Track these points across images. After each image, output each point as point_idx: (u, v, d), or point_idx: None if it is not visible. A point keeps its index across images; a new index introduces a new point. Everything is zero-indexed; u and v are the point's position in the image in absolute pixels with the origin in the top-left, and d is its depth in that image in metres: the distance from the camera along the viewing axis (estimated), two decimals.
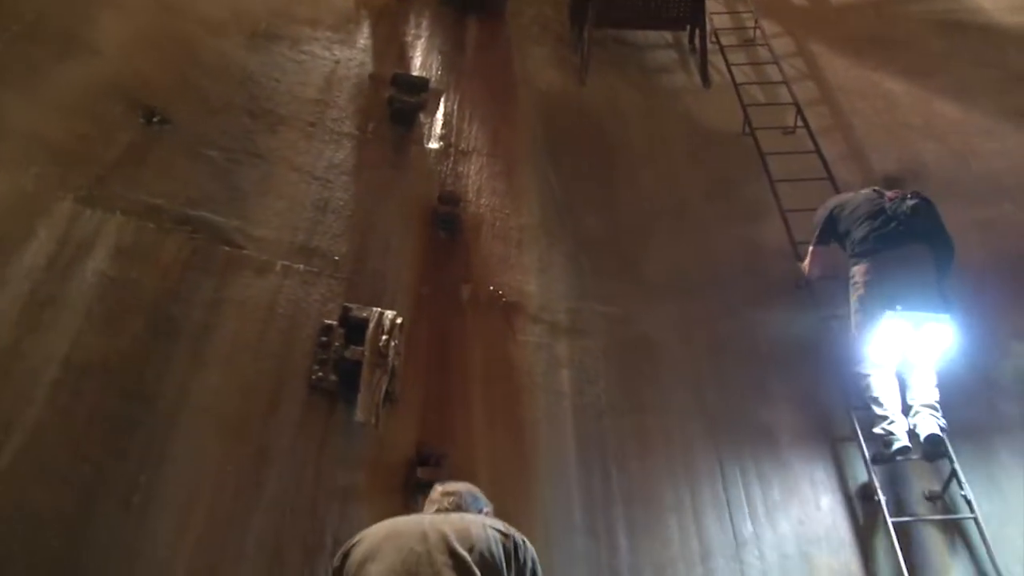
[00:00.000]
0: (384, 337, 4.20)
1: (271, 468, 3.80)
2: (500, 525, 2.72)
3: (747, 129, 6.84)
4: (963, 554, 4.39)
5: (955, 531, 4.48)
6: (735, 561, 4.34)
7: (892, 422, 4.54)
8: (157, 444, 3.65)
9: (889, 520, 4.40)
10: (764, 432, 4.93)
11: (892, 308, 4.62)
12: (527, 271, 5.34)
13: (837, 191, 6.09)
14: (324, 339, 4.29)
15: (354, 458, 4.00)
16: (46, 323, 3.68)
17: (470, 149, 5.90)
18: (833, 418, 4.97)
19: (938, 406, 4.53)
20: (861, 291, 4.94)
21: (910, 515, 4.50)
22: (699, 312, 5.43)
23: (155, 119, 4.63)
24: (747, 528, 4.50)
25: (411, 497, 3.99)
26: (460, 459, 4.23)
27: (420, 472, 4.02)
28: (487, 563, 2.52)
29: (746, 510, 4.57)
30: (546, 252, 5.51)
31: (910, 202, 5.11)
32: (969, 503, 4.39)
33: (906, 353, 4.72)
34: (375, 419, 3.97)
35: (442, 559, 2.49)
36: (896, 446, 4.46)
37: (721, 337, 5.32)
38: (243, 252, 4.46)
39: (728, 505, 4.55)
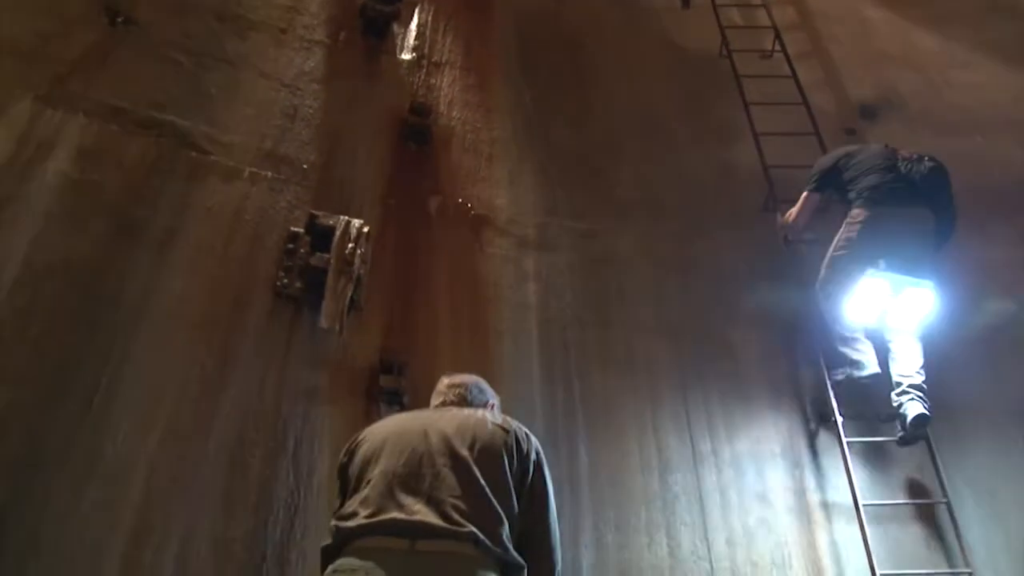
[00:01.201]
0: (350, 245, 4.18)
1: (234, 371, 3.80)
2: (501, 420, 2.72)
3: (724, 51, 6.75)
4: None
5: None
6: (692, 475, 4.40)
7: (860, 342, 4.54)
8: (119, 346, 3.63)
9: (844, 439, 4.48)
10: (728, 352, 4.96)
11: (875, 265, 4.55)
12: (497, 185, 5.30)
13: (811, 117, 6.08)
14: (290, 246, 4.26)
15: (317, 364, 4.00)
16: (5, 222, 3.64)
17: (443, 61, 5.80)
18: (798, 341, 5.00)
19: (925, 387, 4.41)
20: (854, 234, 4.81)
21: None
22: (668, 231, 5.43)
23: (119, 19, 4.52)
24: (706, 445, 4.55)
25: (373, 404, 4.01)
26: (423, 368, 4.24)
27: (383, 380, 4.03)
28: (487, 460, 2.53)
29: (706, 427, 4.62)
30: (516, 166, 5.47)
31: (928, 164, 4.96)
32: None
33: (885, 317, 4.63)
34: (339, 326, 3.97)
35: (442, 460, 2.49)
36: (867, 371, 4.45)
37: (689, 256, 5.33)
38: (210, 158, 4.41)
39: (688, 421, 4.60)
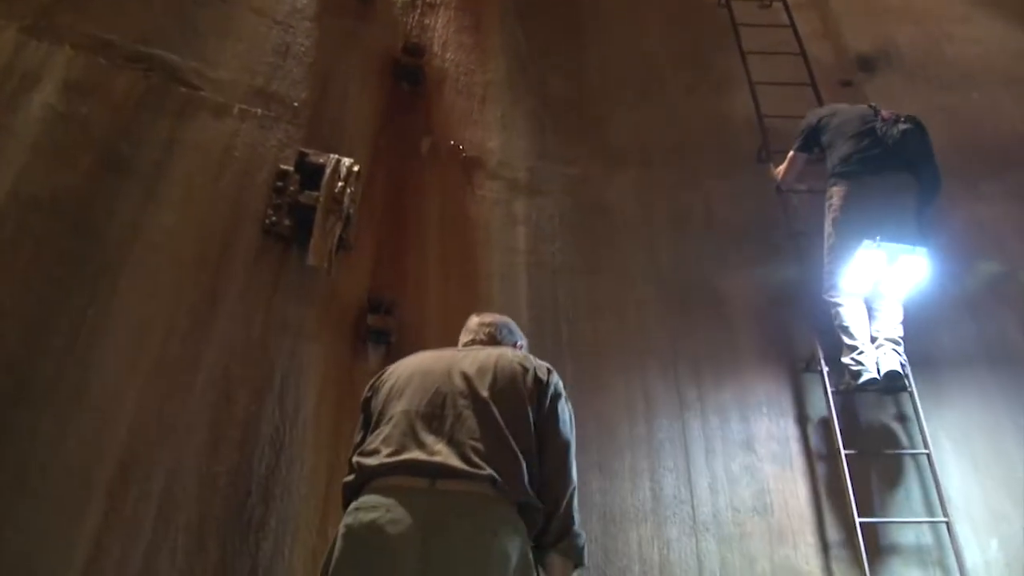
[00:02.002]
0: (340, 184, 4.15)
1: (222, 308, 3.78)
2: (523, 357, 2.74)
3: (723, 0, 6.69)
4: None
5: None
6: (677, 421, 4.44)
7: (862, 352, 4.46)
8: (106, 280, 3.60)
9: (829, 390, 4.52)
10: (717, 302, 4.97)
11: (869, 238, 4.46)
12: (489, 127, 5.27)
13: (808, 67, 6.03)
14: (280, 184, 4.21)
15: (305, 302, 3.99)
16: None
17: (438, 2, 5.73)
18: (786, 293, 4.99)
19: (901, 341, 4.46)
20: (836, 214, 4.77)
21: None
22: (660, 179, 5.41)
23: None
24: (692, 392, 4.58)
25: (360, 342, 4.01)
26: (411, 308, 4.25)
27: (370, 319, 4.03)
28: (507, 400, 2.55)
29: (693, 374, 4.64)
30: (509, 110, 5.43)
31: (902, 126, 4.83)
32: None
33: (878, 284, 4.60)
34: (327, 264, 3.95)
35: (463, 402, 2.53)
36: (864, 378, 4.40)
37: (681, 205, 5.32)
38: (199, 94, 4.33)
39: (675, 368, 4.62)
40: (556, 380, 2.70)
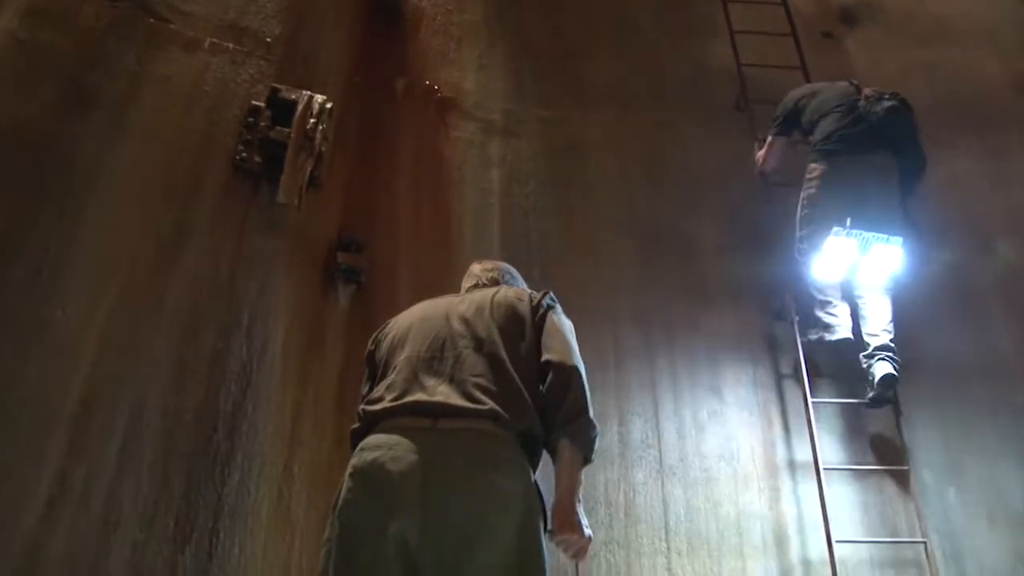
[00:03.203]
0: (312, 120, 4.09)
1: (190, 244, 3.73)
2: (519, 291, 2.76)
3: None
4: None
5: None
6: (646, 366, 4.45)
7: (835, 306, 4.43)
8: (71, 213, 3.54)
9: (799, 341, 4.53)
10: (691, 248, 4.97)
11: (840, 224, 4.30)
12: (465, 68, 5.19)
13: (790, 17, 5.97)
14: (251, 120, 4.14)
15: (275, 239, 3.94)
16: None
17: None
18: (760, 241, 4.97)
19: (893, 347, 4.31)
20: (813, 191, 4.61)
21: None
22: (636, 124, 5.36)
23: None
24: (663, 337, 4.59)
25: (330, 281, 3.98)
26: (382, 247, 4.22)
27: (340, 257, 4.00)
28: (506, 333, 2.56)
29: (664, 320, 4.64)
30: (486, 51, 5.34)
31: (886, 103, 4.64)
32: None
33: (854, 274, 4.49)
34: (297, 201, 3.90)
35: (463, 342, 2.53)
36: (838, 335, 4.36)
37: (656, 151, 5.28)
38: (170, 26, 4.24)
39: (646, 313, 4.61)
40: (550, 297, 2.71)
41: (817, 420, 4.33)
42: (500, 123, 5.07)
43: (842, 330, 4.39)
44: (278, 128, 4.06)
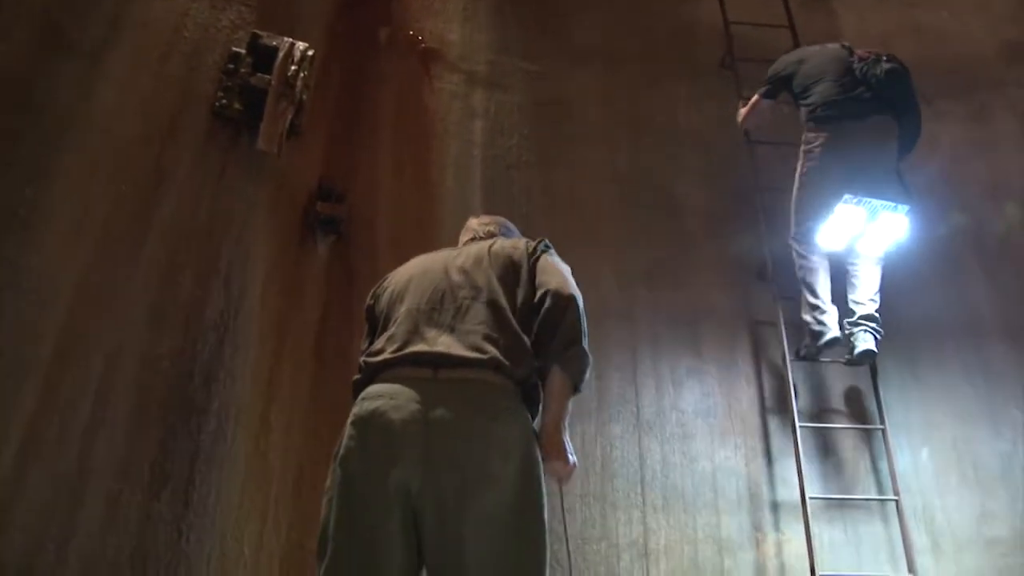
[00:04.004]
0: (293, 68, 4.01)
1: (167, 190, 3.65)
2: (515, 241, 2.78)
3: None
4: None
5: None
6: (625, 320, 4.46)
7: (824, 312, 4.34)
8: (46, 159, 3.45)
9: (779, 303, 4.56)
10: (673, 205, 4.97)
11: (848, 193, 4.22)
12: (450, 19, 5.14)
13: None
14: (231, 66, 4.06)
15: (254, 187, 3.88)
16: None
17: None
18: (743, 193, 4.98)
19: (877, 316, 4.30)
20: (815, 163, 4.51)
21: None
22: (622, 79, 5.34)
23: None
24: (642, 292, 4.60)
25: (308, 230, 3.95)
26: (362, 198, 4.20)
27: (320, 206, 3.97)
28: (504, 281, 2.58)
29: (644, 276, 4.67)
30: (471, 3, 5.29)
31: (885, 65, 4.54)
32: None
33: (855, 242, 4.45)
34: (277, 149, 3.84)
35: (462, 293, 2.55)
36: (826, 339, 4.30)
37: (641, 107, 5.27)
38: None
39: (627, 269, 4.62)
40: (545, 242, 2.73)
41: (795, 378, 4.36)
42: (484, 75, 5.03)
43: (829, 332, 4.31)
44: (259, 75, 3.98)
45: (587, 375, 2.49)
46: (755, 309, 4.72)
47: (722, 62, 5.55)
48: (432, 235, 4.33)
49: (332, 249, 4.04)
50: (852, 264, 4.49)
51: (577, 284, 2.60)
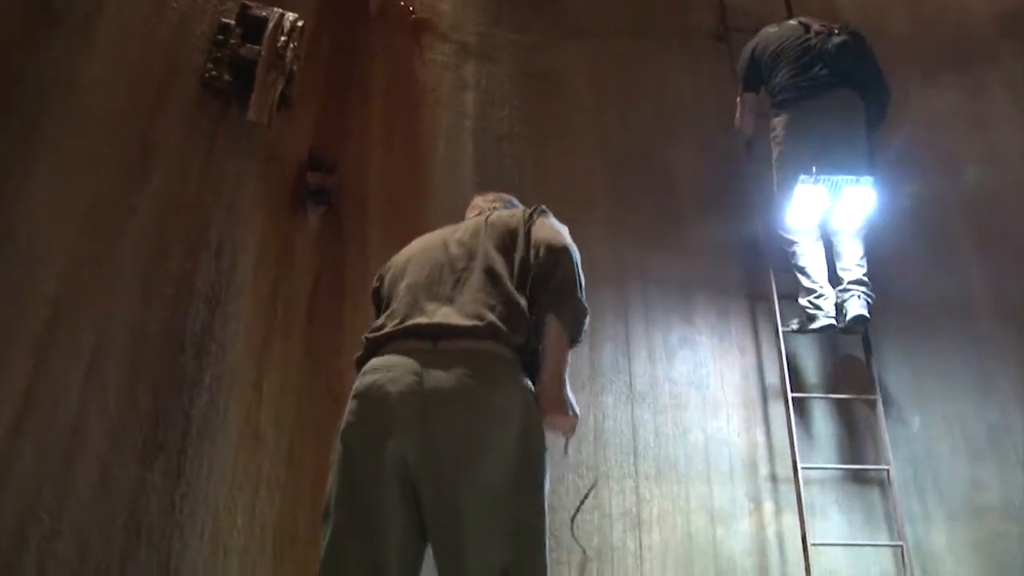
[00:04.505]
0: (283, 39, 3.98)
1: (157, 162, 3.63)
2: (513, 210, 2.77)
3: None
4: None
5: None
6: (618, 290, 4.46)
7: (820, 296, 4.34)
8: (34, 129, 3.43)
9: (772, 273, 4.58)
10: (665, 176, 4.96)
11: (807, 172, 4.23)
12: None
13: None
14: (220, 37, 4.03)
15: (244, 158, 3.85)
16: None
17: None
18: (735, 165, 4.99)
19: (866, 280, 4.31)
20: (781, 147, 4.53)
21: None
22: (614, 51, 5.31)
23: None
24: (635, 263, 4.60)
25: (299, 201, 3.94)
26: (353, 169, 4.18)
27: (310, 177, 3.95)
28: (501, 250, 2.57)
29: (636, 246, 4.66)
30: None
31: (836, 39, 4.49)
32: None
33: (828, 218, 4.45)
34: (268, 120, 3.82)
35: (461, 264, 2.55)
36: (820, 324, 4.30)
37: (633, 79, 5.24)
38: None
39: (618, 239, 4.60)
40: (542, 208, 2.71)
41: (787, 349, 4.37)
42: (476, 46, 5.00)
43: (824, 318, 4.31)
44: (248, 46, 3.95)
45: (585, 326, 2.48)
46: (748, 280, 4.72)
47: (715, 33, 5.52)
48: (423, 206, 4.33)
49: (323, 219, 4.02)
50: (834, 236, 4.51)
51: None
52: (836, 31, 4.55)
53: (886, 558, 4.10)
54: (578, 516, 3.86)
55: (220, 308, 3.50)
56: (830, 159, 4.30)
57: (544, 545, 2.24)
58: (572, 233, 2.66)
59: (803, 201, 4.35)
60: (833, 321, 4.31)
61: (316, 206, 3.97)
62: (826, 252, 4.50)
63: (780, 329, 4.38)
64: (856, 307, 4.24)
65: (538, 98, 4.96)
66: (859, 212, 4.40)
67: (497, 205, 2.99)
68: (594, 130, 4.97)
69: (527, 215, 2.66)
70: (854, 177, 4.27)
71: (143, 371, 3.24)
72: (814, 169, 4.24)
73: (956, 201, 5.05)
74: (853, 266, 4.36)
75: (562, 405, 2.39)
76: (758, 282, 4.67)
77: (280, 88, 3.91)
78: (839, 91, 4.48)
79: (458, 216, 3.95)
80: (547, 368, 2.42)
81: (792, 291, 4.49)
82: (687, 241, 4.75)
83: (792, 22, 4.84)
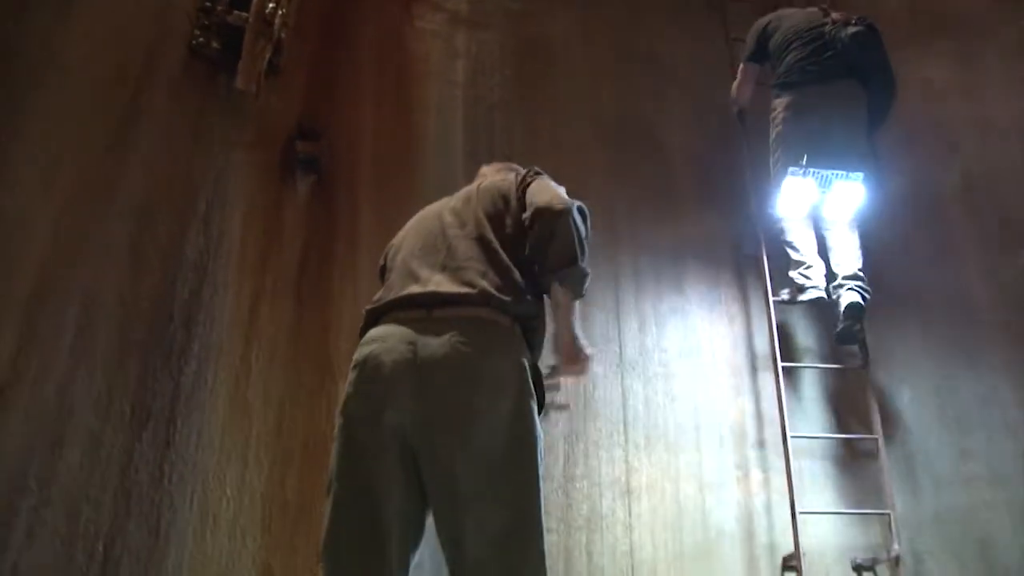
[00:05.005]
0: (271, 5, 3.93)
1: (144, 130, 3.60)
2: (506, 175, 2.78)
3: None
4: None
5: None
6: (609, 258, 4.43)
7: (809, 267, 4.31)
8: (19, 101, 3.40)
9: (763, 243, 4.56)
10: (658, 146, 4.94)
11: (799, 162, 4.20)
12: None
13: None
14: (207, 4, 4.00)
15: (232, 127, 3.83)
16: None
17: None
18: (728, 135, 4.95)
19: (861, 275, 4.25)
20: (780, 128, 4.46)
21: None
22: (606, 17, 5.24)
23: None
24: (625, 231, 4.58)
25: (288, 170, 3.92)
26: (343, 138, 4.15)
27: (299, 145, 3.92)
28: (493, 215, 2.59)
29: (627, 215, 4.61)
30: None
31: (851, 29, 4.40)
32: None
33: (819, 210, 4.39)
34: (256, 88, 3.79)
35: (453, 231, 2.57)
36: (810, 295, 4.28)
37: (625, 45, 5.18)
38: None
39: (611, 207, 4.57)
40: (536, 169, 2.74)
41: (777, 318, 4.37)
42: (467, 14, 4.94)
43: (815, 290, 4.30)
44: (236, 12, 3.92)
45: (587, 283, 2.55)
46: (739, 248, 4.71)
47: (709, 1, 5.46)
48: (413, 175, 4.30)
49: (312, 189, 4.00)
50: (827, 231, 4.46)
51: None
52: (853, 21, 4.47)
53: (874, 527, 4.13)
54: (568, 484, 3.88)
55: (208, 278, 3.49)
56: (826, 148, 4.25)
57: (540, 513, 2.25)
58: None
59: (792, 192, 4.31)
60: (823, 293, 4.29)
61: (305, 175, 3.94)
62: (819, 246, 4.45)
63: (770, 298, 4.38)
64: (849, 297, 4.19)
65: (529, 65, 4.91)
66: (848, 206, 4.36)
67: (506, 172, 2.95)
68: (586, 98, 4.93)
69: (520, 178, 2.66)
70: (844, 173, 4.22)
71: (131, 340, 3.24)
72: (804, 161, 4.20)
73: (946, 168, 5.03)
74: (846, 261, 4.31)
75: (575, 356, 2.49)
76: (749, 251, 4.66)
77: (268, 56, 3.88)
78: (845, 81, 4.41)
79: (448, 186, 3.95)
80: (559, 326, 2.51)
81: (783, 261, 4.48)
82: (678, 210, 4.73)
83: (812, 8, 4.75)
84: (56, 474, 2.89)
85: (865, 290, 4.23)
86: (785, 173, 4.32)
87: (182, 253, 3.48)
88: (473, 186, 2.75)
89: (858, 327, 4.25)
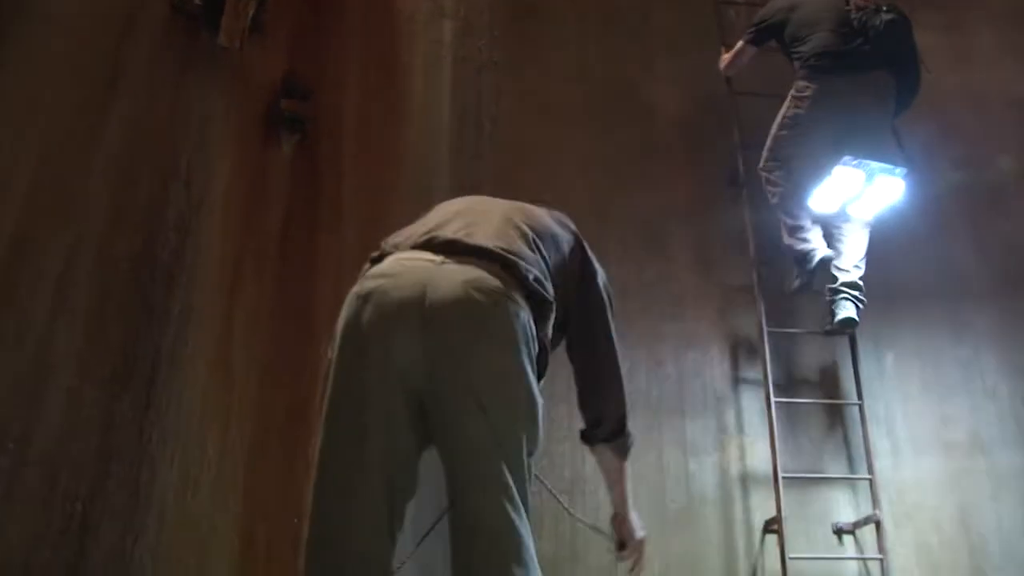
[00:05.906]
0: None
1: (124, 88, 3.52)
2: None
3: None
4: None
5: None
6: (594, 222, 4.33)
7: (808, 231, 4.23)
8: None
9: (748, 207, 4.56)
10: (646, 109, 4.94)
11: (845, 152, 4.02)
12: None
13: None
14: None
15: (215, 85, 3.75)
16: None
17: None
18: (715, 99, 4.92)
19: (861, 284, 4.19)
20: (799, 110, 4.31)
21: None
22: None
23: None
24: (609, 195, 4.59)
25: (272, 129, 3.87)
26: (328, 97, 4.10)
27: (284, 103, 3.87)
28: (533, 217, 2.57)
29: (614, 179, 4.66)
30: None
31: (885, 16, 4.28)
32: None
33: (846, 205, 4.26)
34: (239, 45, 3.72)
35: (480, 207, 2.53)
36: (816, 258, 4.17)
37: (614, 11, 5.17)
38: None
39: (595, 171, 4.57)
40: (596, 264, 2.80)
41: (763, 285, 4.36)
42: None
43: (819, 252, 4.20)
44: None
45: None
46: (725, 214, 4.71)
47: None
48: (398, 135, 4.26)
49: (297, 148, 3.95)
50: (837, 228, 4.36)
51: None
52: (885, 8, 4.36)
53: (855, 492, 4.16)
54: (551, 447, 3.88)
55: (190, 238, 3.44)
56: (858, 141, 4.13)
57: (527, 470, 2.20)
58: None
59: (836, 184, 4.14)
60: (830, 251, 4.21)
61: (290, 135, 3.89)
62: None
63: (754, 263, 4.38)
64: (845, 310, 4.15)
65: (517, 26, 4.87)
66: (882, 203, 4.24)
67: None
68: (573, 60, 4.91)
69: (583, 246, 2.73)
70: (891, 167, 4.10)
71: (111, 301, 3.19)
72: (849, 150, 4.06)
73: (935, 138, 5.02)
74: (851, 267, 4.23)
75: (633, 536, 2.61)
76: (735, 216, 4.65)
77: (252, 12, 3.81)
78: (878, 72, 4.29)
79: (434, 151, 3.93)
80: (617, 500, 2.64)
81: (769, 224, 4.47)
82: (665, 173, 4.74)
83: None
84: (35, 435, 2.85)
85: (861, 300, 4.19)
86: (797, 157, 4.26)
87: (164, 212, 3.42)
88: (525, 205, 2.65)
89: (849, 332, 4.29)
